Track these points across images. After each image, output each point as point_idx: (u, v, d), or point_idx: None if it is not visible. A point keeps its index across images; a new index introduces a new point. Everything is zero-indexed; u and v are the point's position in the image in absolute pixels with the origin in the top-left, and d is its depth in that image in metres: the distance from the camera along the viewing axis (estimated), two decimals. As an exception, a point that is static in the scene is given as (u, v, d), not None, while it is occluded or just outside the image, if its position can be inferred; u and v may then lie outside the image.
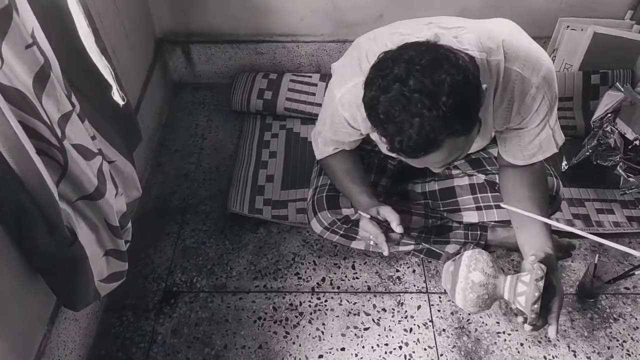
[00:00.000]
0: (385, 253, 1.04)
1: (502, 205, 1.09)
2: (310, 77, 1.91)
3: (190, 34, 1.87)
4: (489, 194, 1.30)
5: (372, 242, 1.08)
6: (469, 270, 0.91)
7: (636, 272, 1.21)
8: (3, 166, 0.75)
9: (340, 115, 1.05)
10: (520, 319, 0.91)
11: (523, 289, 0.88)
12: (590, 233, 1.38)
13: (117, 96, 0.86)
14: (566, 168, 1.61)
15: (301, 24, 1.83)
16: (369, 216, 1.04)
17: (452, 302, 0.97)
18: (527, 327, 0.90)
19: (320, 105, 1.70)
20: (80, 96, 1.00)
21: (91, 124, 1.01)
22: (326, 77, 1.89)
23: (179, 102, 1.95)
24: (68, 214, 0.89)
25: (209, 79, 2.02)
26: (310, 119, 1.81)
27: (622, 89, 1.53)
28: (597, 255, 1.30)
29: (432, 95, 0.72)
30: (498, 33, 0.95)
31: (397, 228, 1.01)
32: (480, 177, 1.32)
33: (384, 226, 1.04)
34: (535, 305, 0.85)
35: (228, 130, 1.83)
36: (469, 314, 1.30)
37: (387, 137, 0.78)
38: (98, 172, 0.93)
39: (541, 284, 0.86)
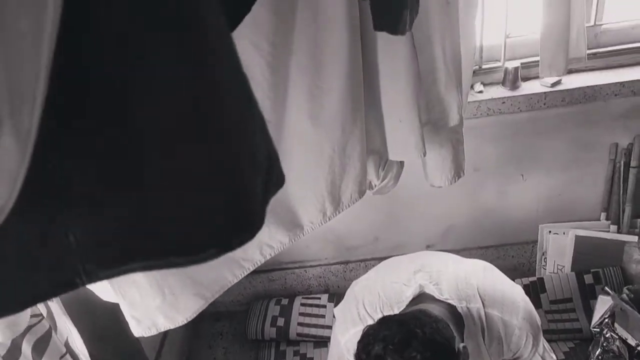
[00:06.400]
0: None
1: None
2: (319, 298, 2.05)
3: (210, 270, 2.10)
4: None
5: None
6: None
7: None
8: None
9: (347, 359, 1.16)
10: None
11: None
12: None
13: None
14: (580, 378, 1.59)
15: (307, 250, 2.05)
16: None
17: None
18: None
19: (329, 327, 1.80)
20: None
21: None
22: (334, 296, 2.02)
23: (200, 335, 2.07)
24: None
25: (227, 307, 2.17)
26: (322, 342, 1.89)
27: (611, 294, 1.59)
28: None
29: None
30: (473, 278, 1.10)
31: None
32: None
33: None
34: None
35: (244, 361, 1.91)
36: None
37: None
38: None
39: None
